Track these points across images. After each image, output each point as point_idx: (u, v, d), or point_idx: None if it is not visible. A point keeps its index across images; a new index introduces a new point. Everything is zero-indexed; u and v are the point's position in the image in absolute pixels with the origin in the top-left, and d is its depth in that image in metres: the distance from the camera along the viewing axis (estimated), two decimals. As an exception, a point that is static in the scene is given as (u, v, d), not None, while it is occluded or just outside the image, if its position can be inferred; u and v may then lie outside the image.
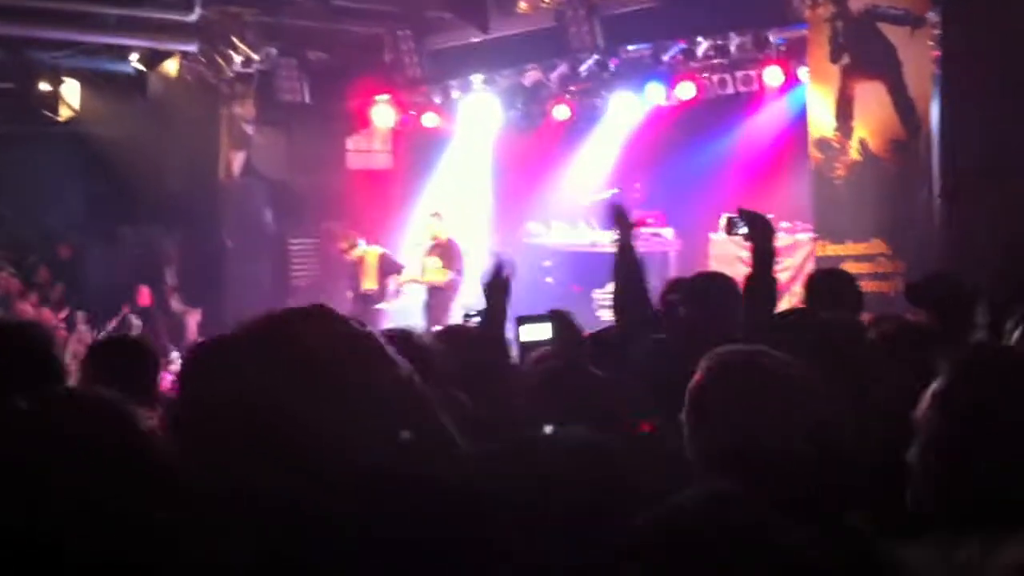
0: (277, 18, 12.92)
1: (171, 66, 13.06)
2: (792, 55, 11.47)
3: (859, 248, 9.77)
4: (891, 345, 3.79)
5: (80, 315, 12.76)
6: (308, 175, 14.69)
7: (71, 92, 13.06)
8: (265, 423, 1.50)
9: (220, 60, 12.90)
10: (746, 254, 4.72)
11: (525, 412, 3.25)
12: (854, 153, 9.91)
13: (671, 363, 3.79)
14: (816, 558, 1.48)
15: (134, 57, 12.99)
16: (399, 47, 13.69)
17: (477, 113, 14.18)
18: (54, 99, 12.97)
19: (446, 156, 15.08)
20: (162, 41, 12.74)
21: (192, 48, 12.86)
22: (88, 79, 13.23)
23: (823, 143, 10.12)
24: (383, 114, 14.47)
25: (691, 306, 4.60)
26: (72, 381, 3.99)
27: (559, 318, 5.02)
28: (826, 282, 5.75)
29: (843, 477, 2.00)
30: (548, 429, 2.07)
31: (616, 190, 12.30)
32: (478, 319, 4.56)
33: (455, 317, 11.26)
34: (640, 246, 5.23)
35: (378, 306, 13.09)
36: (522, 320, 4.90)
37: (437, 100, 14.33)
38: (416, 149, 15.20)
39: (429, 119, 14.48)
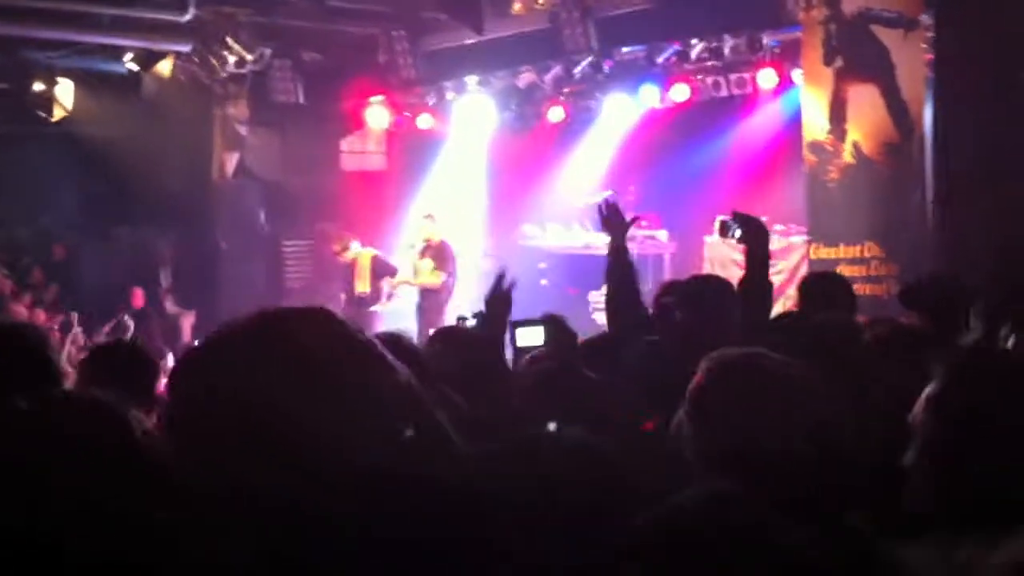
0: (271, 18, 12.90)
1: (165, 66, 13.05)
2: (786, 57, 11.49)
3: (852, 251, 9.78)
4: (885, 348, 3.80)
5: (74, 316, 12.74)
6: (302, 176, 14.68)
7: (65, 92, 13.06)
8: (262, 422, 1.50)
9: (214, 60, 12.90)
10: (740, 257, 4.74)
11: (519, 413, 3.25)
12: (847, 156, 9.92)
13: (665, 365, 3.81)
14: (816, 558, 1.48)
15: (128, 57, 12.97)
16: (393, 48, 13.68)
17: (471, 114, 14.17)
18: (48, 99, 12.97)
19: (440, 158, 15.08)
20: (156, 41, 12.74)
21: (186, 48, 12.86)
22: (82, 79, 13.23)
23: (816, 146, 10.13)
24: (377, 115, 14.46)
25: (686, 309, 4.61)
26: (68, 383, 3.99)
27: (553, 322, 5.04)
28: (820, 285, 5.76)
29: (843, 477, 2.01)
30: (551, 427, 2.07)
31: (610, 192, 12.33)
32: (473, 322, 4.57)
33: (449, 320, 11.27)
34: (634, 249, 5.26)
35: (371, 308, 13.08)
36: (516, 324, 4.92)
37: (431, 101, 14.33)
38: (410, 150, 15.19)
39: (423, 120, 14.48)
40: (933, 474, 1.90)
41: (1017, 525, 1.62)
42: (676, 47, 12.16)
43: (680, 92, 12.51)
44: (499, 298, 4.35)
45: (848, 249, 9.80)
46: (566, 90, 13.53)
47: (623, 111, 13.44)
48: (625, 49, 12.50)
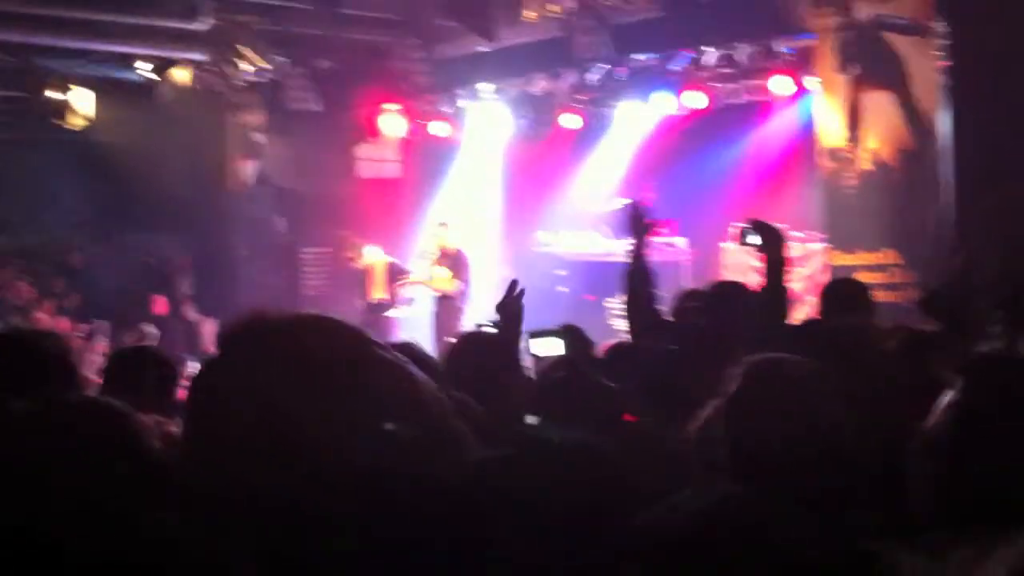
0: (286, 27, 12.96)
1: (180, 75, 13.10)
2: (800, 64, 11.46)
3: (871, 258, 9.76)
4: (899, 353, 3.79)
5: (100, 325, 12.77)
6: (318, 184, 14.72)
7: (81, 100, 13.12)
8: (262, 422, 1.50)
9: (229, 69, 12.96)
10: (759, 264, 4.73)
11: (527, 415, 3.26)
12: (865, 162, 9.90)
13: (682, 371, 3.81)
14: (816, 558, 1.48)
15: (144, 66, 13.03)
16: (407, 56, 13.71)
17: (486, 122, 14.19)
18: (63, 107, 13.03)
19: (455, 165, 15.10)
20: (171, 50, 12.80)
21: (201, 57, 12.92)
22: (97, 87, 13.29)
23: (834, 152, 10.12)
24: (392, 123, 14.48)
25: (711, 315, 4.62)
26: (90, 391, 4.01)
27: (570, 332, 5.04)
28: (840, 291, 5.75)
29: (845, 477, 2.02)
30: (531, 419, 2.08)
31: (628, 200, 12.32)
32: (491, 329, 4.59)
33: (465, 327, 11.26)
34: (652, 255, 5.25)
35: (387, 314, 13.10)
36: (534, 335, 4.93)
37: (446, 109, 14.34)
38: (425, 158, 15.22)
39: (438, 128, 14.50)
40: (933, 474, 1.90)
41: (1017, 525, 1.61)
42: (690, 54, 12.15)
43: (694, 99, 12.50)
44: (509, 304, 4.38)
45: (867, 255, 9.78)
46: (580, 97, 13.52)
47: (637, 118, 13.43)
48: (639, 56, 12.49)
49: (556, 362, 4.45)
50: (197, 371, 1.62)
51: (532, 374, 4.53)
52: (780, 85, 11.81)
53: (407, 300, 13.31)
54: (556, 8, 12.10)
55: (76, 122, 13.13)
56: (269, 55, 13.06)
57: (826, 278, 9.47)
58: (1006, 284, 5.20)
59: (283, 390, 1.51)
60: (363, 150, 15.31)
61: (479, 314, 9.89)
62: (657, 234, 5.48)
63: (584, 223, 14.25)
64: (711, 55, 11.95)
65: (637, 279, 5.13)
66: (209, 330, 13.63)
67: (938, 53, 9.26)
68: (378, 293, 13.27)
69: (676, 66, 12.33)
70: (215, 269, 14.31)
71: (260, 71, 13.10)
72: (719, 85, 12.41)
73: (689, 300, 5.34)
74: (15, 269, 13.38)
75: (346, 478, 1.46)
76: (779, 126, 12.77)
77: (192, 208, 14.18)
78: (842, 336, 3.40)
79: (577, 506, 1.60)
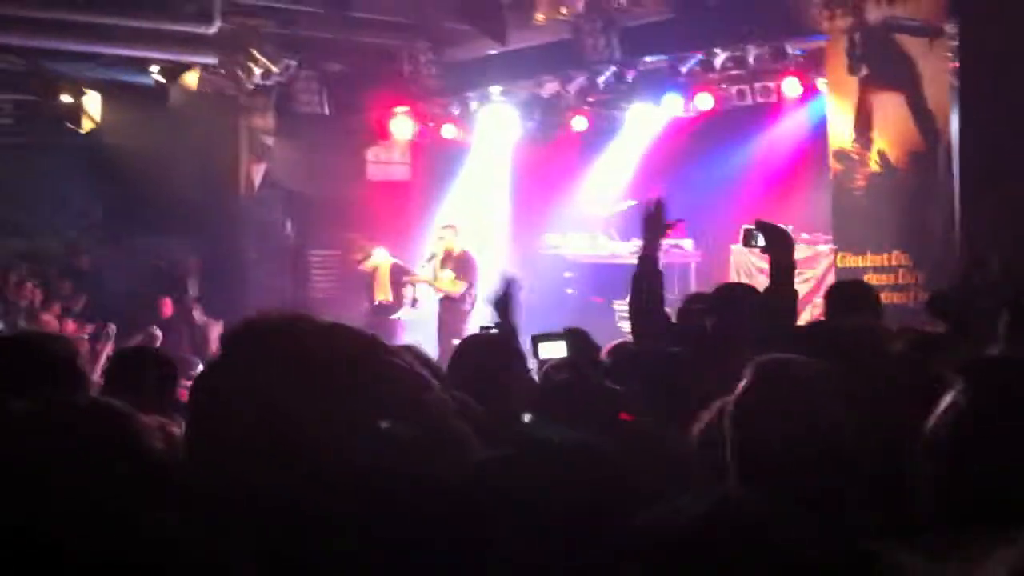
0: (295, 30, 12.99)
1: (191, 78, 13.14)
2: (810, 66, 11.44)
3: (879, 259, 9.73)
4: (905, 356, 3.77)
5: (102, 326, 12.79)
6: (327, 187, 14.73)
7: (92, 104, 13.16)
8: (262, 422, 1.50)
9: (239, 72, 12.98)
10: (766, 265, 4.73)
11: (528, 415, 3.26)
12: (874, 164, 9.88)
13: (685, 372, 3.81)
14: (816, 558, 1.47)
15: (154, 69, 13.07)
16: (417, 59, 13.72)
17: (495, 124, 14.20)
18: (75, 111, 13.07)
19: (465, 167, 15.11)
20: (182, 53, 12.82)
21: (211, 60, 12.94)
22: (108, 91, 13.33)
23: (842, 154, 10.10)
24: (402, 126, 14.50)
25: (717, 316, 4.62)
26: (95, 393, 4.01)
27: (575, 336, 5.03)
28: (845, 292, 5.74)
29: (846, 478, 2.02)
30: (526, 418, 2.09)
31: (648, 199, 12.33)
32: (495, 331, 4.60)
33: (471, 330, 11.26)
34: (660, 257, 5.25)
35: (393, 316, 13.10)
36: (538, 338, 4.92)
37: (455, 112, 14.36)
38: (435, 160, 15.24)
39: (447, 131, 14.52)
40: (933, 474, 1.90)
41: (1017, 525, 1.60)
42: (699, 56, 12.14)
43: (704, 101, 12.49)
44: (502, 298, 4.39)
45: (875, 258, 9.76)
46: (590, 99, 13.53)
47: (647, 120, 13.42)
48: (648, 59, 12.49)
49: (557, 364, 4.45)
50: (203, 374, 1.63)
51: (535, 376, 4.54)
52: (790, 87, 11.80)
53: (412, 302, 13.31)
54: (566, 11, 12.10)
55: (84, 125, 13.18)
56: (279, 58, 13.08)
57: (834, 279, 9.47)
58: (1008, 285, 5.19)
59: (284, 391, 1.51)
60: (372, 153, 15.34)
61: (485, 316, 9.89)
62: (671, 235, 5.49)
63: (592, 226, 14.25)
64: (721, 57, 11.94)
65: (646, 281, 5.12)
66: (216, 333, 13.65)
67: (949, 55, 9.24)
68: (383, 295, 13.27)
69: (686, 68, 12.32)
70: (224, 272, 14.33)
71: (270, 74, 13.11)
72: (729, 87, 12.40)
73: (695, 303, 5.34)
74: (23, 271, 13.40)
75: (346, 478, 1.47)
76: (789, 128, 12.77)
77: (201, 211, 14.20)
78: (844, 336, 3.40)
79: (577, 506, 1.60)
